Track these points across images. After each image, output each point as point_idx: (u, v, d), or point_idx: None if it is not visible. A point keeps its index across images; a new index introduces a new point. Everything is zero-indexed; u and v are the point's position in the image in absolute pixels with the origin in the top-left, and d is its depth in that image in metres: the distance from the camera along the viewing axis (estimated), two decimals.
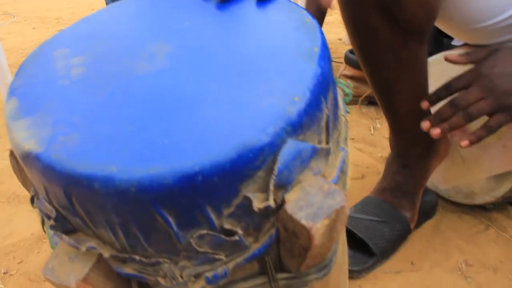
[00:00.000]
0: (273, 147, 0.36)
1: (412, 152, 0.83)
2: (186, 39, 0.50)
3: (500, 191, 0.85)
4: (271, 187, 0.36)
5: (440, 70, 0.91)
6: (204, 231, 0.38)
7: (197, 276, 0.41)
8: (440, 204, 0.98)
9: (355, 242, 0.83)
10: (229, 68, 0.43)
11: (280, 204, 0.38)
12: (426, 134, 0.81)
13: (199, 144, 0.36)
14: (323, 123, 0.41)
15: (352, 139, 1.30)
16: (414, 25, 0.67)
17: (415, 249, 0.87)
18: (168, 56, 0.48)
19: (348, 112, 0.61)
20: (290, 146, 0.37)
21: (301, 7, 0.51)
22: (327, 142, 0.43)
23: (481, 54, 0.77)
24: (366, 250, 0.82)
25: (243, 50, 0.46)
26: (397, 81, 0.75)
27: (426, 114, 0.81)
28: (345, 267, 0.66)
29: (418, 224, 0.91)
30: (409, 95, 0.77)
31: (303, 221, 0.36)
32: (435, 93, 0.77)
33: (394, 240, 0.83)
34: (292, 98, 0.38)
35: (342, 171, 0.49)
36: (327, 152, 0.42)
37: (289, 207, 0.37)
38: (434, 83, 0.90)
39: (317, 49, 0.42)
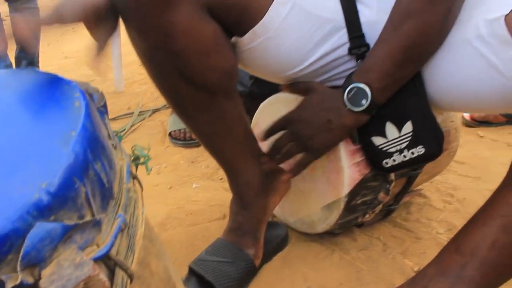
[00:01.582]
0: (20, 232, 0.41)
1: (249, 193, 0.91)
2: None
3: (332, 219, 0.94)
4: (19, 268, 0.41)
5: (274, 109, 1.00)
6: None
7: None
8: (293, 235, 1.06)
9: (205, 284, 0.88)
10: None
11: (38, 280, 0.42)
12: (259, 175, 0.90)
13: None
14: (81, 200, 0.46)
15: (221, 179, 1.37)
16: (213, 87, 0.75)
17: (264, 282, 0.94)
18: None
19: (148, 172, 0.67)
20: (37, 229, 0.41)
21: (78, 89, 0.56)
22: (93, 215, 0.48)
23: (300, 87, 0.88)
24: None
25: (7, 138, 0.50)
26: (216, 134, 0.82)
27: (253, 156, 0.89)
28: None
29: (269, 257, 0.99)
30: (231, 143, 0.85)
31: None
32: (264, 136, 0.89)
33: (240, 278, 0.89)
34: (41, 184, 0.43)
35: (129, 236, 0.54)
36: (94, 224, 0.47)
37: (42, 282, 0.41)
38: (269, 121, 1.00)
39: (74, 133, 0.48)
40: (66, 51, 3.60)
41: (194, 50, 0.71)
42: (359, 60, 0.84)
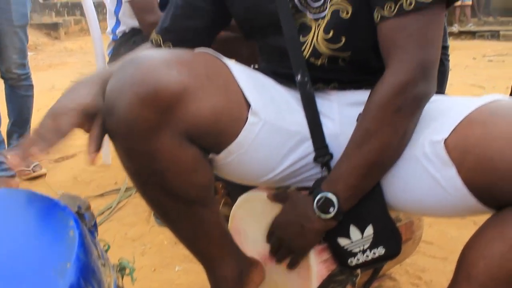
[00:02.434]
0: None
1: (225, 287, 0.98)
2: None
3: None
4: None
5: (250, 206, 1.09)
6: None
7: None
8: None
9: None
10: None
11: None
12: (235, 269, 0.98)
13: None
14: None
15: None
16: (192, 198, 0.84)
17: None
18: None
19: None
20: None
21: (72, 216, 0.65)
22: None
23: (280, 196, 0.98)
24: None
25: (8, 268, 0.58)
26: (194, 237, 0.91)
27: (229, 253, 0.98)
28: None
29: None
30: (209, 244, 0.93)
31: None
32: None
33: None
34: None
35: None
36: None
37: None
38: (245, 217, 1.09)
39: (69, 265, 0.56)
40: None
41: (175, 171, 0.80)
42: (324, 167, 0.94)
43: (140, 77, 0.75)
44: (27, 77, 2.38)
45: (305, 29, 0.94)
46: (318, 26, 0.92)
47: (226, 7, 1.02)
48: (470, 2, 9.52)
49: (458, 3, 9.33)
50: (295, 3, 0.93)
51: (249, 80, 0.90)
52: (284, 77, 1.00)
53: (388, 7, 0.82)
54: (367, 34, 0.88)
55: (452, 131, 0.80)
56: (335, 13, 0.89)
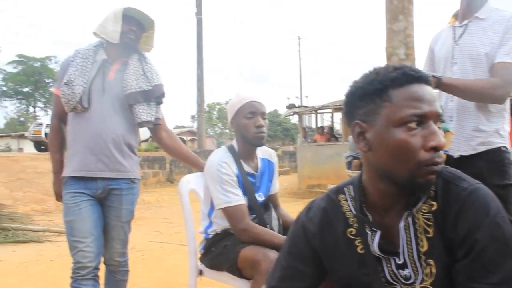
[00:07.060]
0: None
1: None
2: None
3: None
4: None
5: None
6: None
7: None
8: None
9: None
10: None
11: None
12: None
13: None
14: None
15: None
16: None
17: None
18: None
19: None
20: None
21: None
22: None
23: None
24: None
25: None
26: None
27: None
28: None
29: None
30: None
31: None
32: None
33: None
34: None
35: None
36: None
37: None
38: None
39: None
40: None
41: None
42: None
43: None
44: (126, 263, 2.63)
45: None
46: None
47: (326, 272, 1.21)
48: None
49: None
50: (387, 278, 1.11)
51: None
52: None
53: None
54: None
55: None
56: None
